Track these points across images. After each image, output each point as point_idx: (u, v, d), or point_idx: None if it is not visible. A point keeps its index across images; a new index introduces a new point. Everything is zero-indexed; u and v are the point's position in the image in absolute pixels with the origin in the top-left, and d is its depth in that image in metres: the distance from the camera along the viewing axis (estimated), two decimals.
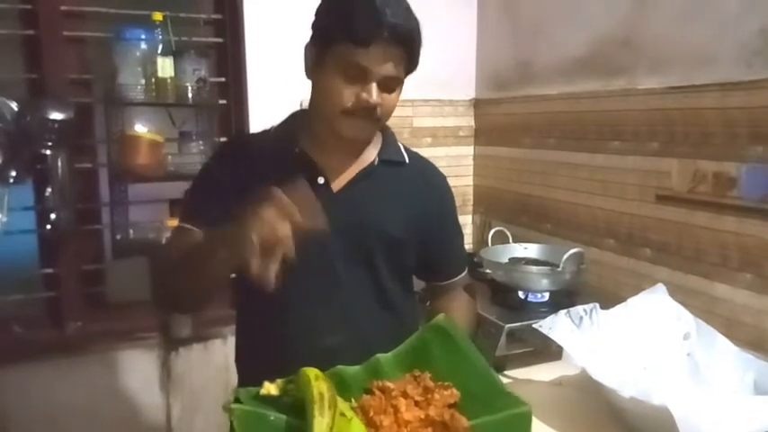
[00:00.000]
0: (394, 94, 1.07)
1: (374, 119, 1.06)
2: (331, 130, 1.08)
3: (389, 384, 0.93)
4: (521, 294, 1.83)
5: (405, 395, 0.91)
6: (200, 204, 1.14)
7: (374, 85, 1.02)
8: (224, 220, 1.02)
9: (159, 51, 1.89)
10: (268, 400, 0.88)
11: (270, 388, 0.89)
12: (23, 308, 2.01)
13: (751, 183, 1.41)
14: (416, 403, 0.91)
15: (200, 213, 1.11)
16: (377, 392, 0.92)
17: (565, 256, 1.71)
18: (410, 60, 1.06)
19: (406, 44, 1.03)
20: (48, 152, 1.76)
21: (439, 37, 2.14)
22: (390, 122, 1.16)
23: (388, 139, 1.21)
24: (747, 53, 1.43)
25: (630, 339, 1.21)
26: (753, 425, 0.92)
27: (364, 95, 1.02)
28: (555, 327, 1.17)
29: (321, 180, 1.12)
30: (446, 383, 0.94)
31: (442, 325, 1.02)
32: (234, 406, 0.86)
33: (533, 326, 1.19)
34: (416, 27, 1.06)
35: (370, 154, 1.17)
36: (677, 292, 1.31)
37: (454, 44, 2.43)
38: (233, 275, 1.06)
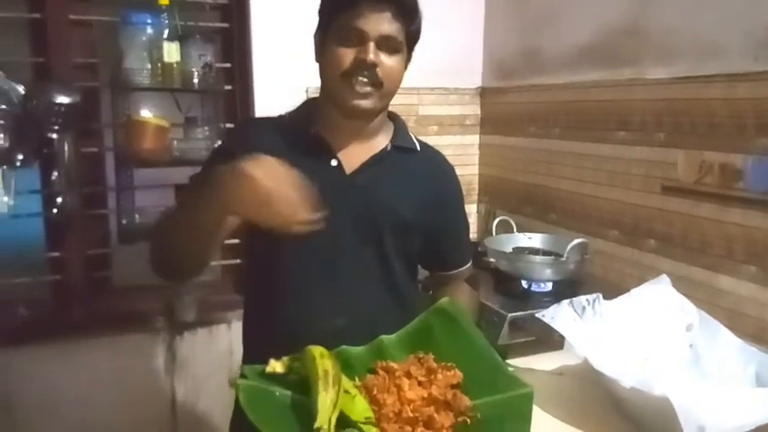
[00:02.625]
0: (394, 58, 1.09)
1: (375, 82, 1.07)
2: (337, 103, 1.10)
3: (393, 365, 0.94)
4: (524, 284, 1.83)
5: (408, 375, 0.92)
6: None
7: (371, 45, 1.05)
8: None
9: (165, 36, 1.89)
10: (274, 378, 0.89)
11: (275, 365, 0.90)
12: (29, 291, 2.02)
13: (757, 175, 1.41)
14: (420, 383, 0.91)
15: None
16: (381, 372, 0.93)
17: (569, 247, 1.72)
18: (404, 20, 1.08)
19: (396, 3, 1.06)
20: (54, 136, 1.77)
21: (445, 25, 2.14)
22: (396, 111, 1.17)
23: (400, 126, 1.23)
24: (755, 44, 1.42)
25: (633, 330, 1.22)
26: (753, 417, 0.92)
27: (362, 54, 1.05)
28: (557, 316, 1.18)
29: (334, 162, 1.13)
30: (449, 364, 0.94)
31: (446, 308, 1.03)
32: (240, 381, 0.87)
33: (536, 315, 1.20)
34: None
35: (383, 140, 1.18)
36: (681, 284, 1.31)
37: (460, 32, 2.42)
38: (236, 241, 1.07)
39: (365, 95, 1.08)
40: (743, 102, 1.45)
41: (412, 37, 1.11)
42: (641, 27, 1.74)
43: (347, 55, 1.06)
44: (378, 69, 1.06)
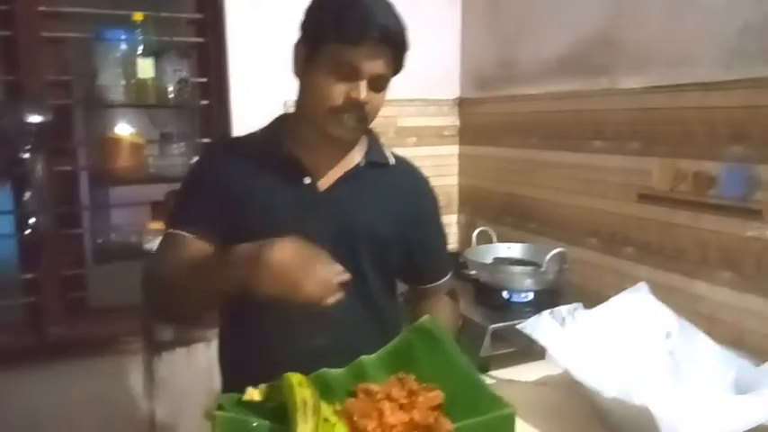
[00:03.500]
0: (381, 94, 1.10)
1: (361, 118, 1.08)
2: (318, 130, 1.09)
3: (374, 387, 0.93)
4: (505, 294, 1.83)
5: (389, 398, 0.91)
6: (191, 209, 1.14)
7: (363, 84, 1.05)
8: (215, 224, 1.07)
9: (140, 52, 1.87)
10: (251, 406, 0.88)
11: (253, 393, 0.89)
12: (3, 314, 1.98)
13: (730, 182, 1.42)
14: (401, 406, 0.90)
15: (191, 218, 1.12)
16: (361, 395, 0.92)
17: (547, 257, 1.72)
18: (397, 61, 1.09)
19: (395, 44, 1.06)
20: (26, 155, 1.73)
21: (423, 37, 2.12)
22: (375, 122, 1.17)
23: (374, 141, 1.23)
24: (727, 53, 1.44)
25: (613, 338, 1.22)
26: (733, 425, 0.92)
27: (353, 93, 1.04)
28: (538, 327, 1.18)
29: (307, 180, 1.13)
30: (430, 385, 0.94)
31: (427, 326, 1.02)
32: (216, 413, 0.85)
33: (517, 326, 1.19)
34: (404, 30, 1.09)
35: (356, 156, 1.18)
36: (659, 291, 1.32)
37: (438, 44, 2.43)
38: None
39: (351, 130, 1.09)
40: (715, 110, 1.47)
41: (398, 71, 1.12)
42: (615, 37, 1.76)
43: (338, 90, 1.04)
44: (366, 106, 1.06)
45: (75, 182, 2.01)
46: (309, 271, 0.89)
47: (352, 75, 1.04)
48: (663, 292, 1.33)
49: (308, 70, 1.08)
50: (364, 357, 1.00)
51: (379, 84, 1.07)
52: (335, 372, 0.98)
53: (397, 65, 1.09)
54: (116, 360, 1.99)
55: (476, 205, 2.48)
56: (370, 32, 1.02)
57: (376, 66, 1.05)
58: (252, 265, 0.89)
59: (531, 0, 2.11)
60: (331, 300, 0.91)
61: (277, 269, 0.87)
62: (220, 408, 0.87)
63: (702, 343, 1.21)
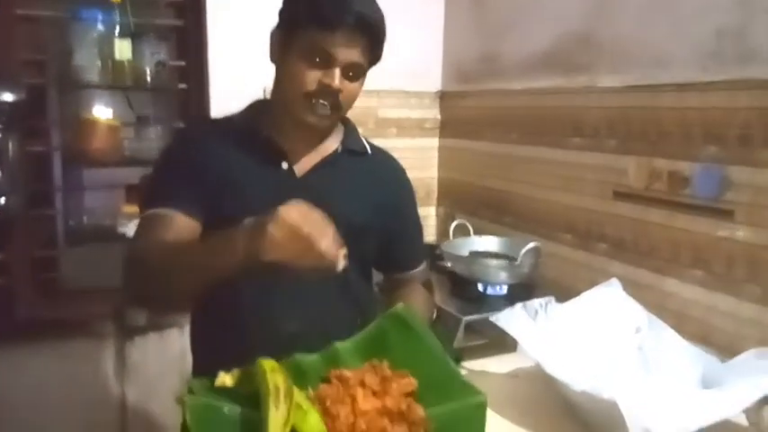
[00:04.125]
0: (356, 83, 1.09)
1: (335, 105, 1.07)
2: (292, 116, 1.08)
3: (347, 373, 0.92)
4: (480, 287, 1.85)
5: (362, 384, 0.91)
6: (172, 186, 1.11)
7: (337, 71, 1.04)
8: (197, 201, 1.06)
9: (117, 33, 1.84)
10: (223, 391, 0.87)
11: (225, 379, 0.88)
12: None
13: (703, 182, 1.45)
14: (374, 393, 0.91)
15: (173, 194, 1.08)
16: (334, 381, 0.92)
17: (523, 251, 1.74)
18: (373, 50, 1.08)
19: (371, 32, 1.05)
20: None
21: (406, 28, 2.14)
22: (355, 112, 1.17)
23: (350, 130, 1.22)
24: (702, 55, 1.47)
25: (584, 333, 1.24)
26: (699, 420, 0.94)
27: (327, 80, 1.03)
28: (511, 320, 1.19)
29: (285, 165, 1.12)
30: (403, 372, 0.94)
31: (401, 313, 1.03)
32: (186, 398, 0.84)
33: (490, 318, 1.21)
34: (382, 18, 1.07)
35: (333, 142, 1.18)
36: (631, 287, 1.34)
37: (421, 36, 2.42)
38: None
39: (323, 116, 1.08)
40: (691, 111, 1.49)
41: (375, 62, 1.11)
42: (595, 36, 1.78)
43: (312, 76, 1.03)
44: (340, 94, 1.06)
45: (49, 162, 1.97)
46: (321, 228, 0.88)
47: (326, 61, 1.03)
48: (634, 289, 1.36)
49: (284, 56, 1.07)
50: (339, 343, 1.00)
51: (354, 72, 1.06)
52: (309, 357, 0.98)
53: (373, 55, 1.08)
54: (87, 343, 1.98)
55: (454, 198, 2.49)
56: (346, 18, 1.01)
57: (351, 53, 1.04)
58: (261, 231, 0.87)
59: None
60: (341, 264, 0.90)
61: (289, 228, 0.86)
62: (191, 392, 0.86)
63: (671, 339, 1.23)
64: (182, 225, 1.06)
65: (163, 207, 1.07)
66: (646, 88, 1.60)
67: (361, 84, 1.10)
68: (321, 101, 1.05)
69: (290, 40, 1.05)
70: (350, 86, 1.07)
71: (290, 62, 1.05)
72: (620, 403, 0.93)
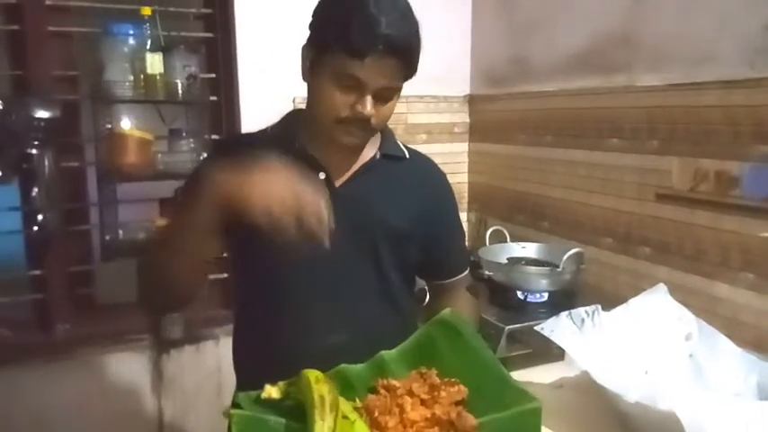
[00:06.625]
0: (390, 103, 1.06)
1: (369, 129, 1.05)
2: (327, 135, 1.07)
3: (395, 383, 0.91)
4: (520, 295, 1.81)
5: (410, 393, 0.89)
6: None
7: (369, 98, 1.01)
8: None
9: (148, 47, 1.85)
10: (270, 404, 0.86)
11: (271, 391, 0.87)
12: (11, 310, 1.97)
13: (754, 182, 1.40)
14: (422, 402, 0.89)
15: None
16: (382, 391, 0.90)
17: (565, 257, 1.70)
18: (407, 69, 1.04)
19: (402, 55, 1.00)
20: (34, 151, 1.71)
21: (434, 33, 2.09)
22: None
23: (387, 135, 1.20)
24: (751, 51, 1.42)
25: (632, 341, 1.19)
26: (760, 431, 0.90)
27: (359, 107, 1.01)
28: (557, 329, 1.15)
29: (322, 176, 1.10)
30: (453, 380, 0.92)
31: (449, 320, 1.00)
32: (233, 411, 0.84)
33: (535, 328, 1.17)
34: (414, 34, 1.03)
35: (371, 150, 1.16)
36: (677, 292, 1.29)
37: (449, 40, 2.40)
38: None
39: (357, 137, 1.06)
40: (739, 109, 1.44)
41: (411, 76, 1.06)
42: (634, 33, 1.73)
43: (343, 101, 1.01)
44: (373, 119, 1.03)
45: (83, 178, 2.00)
46: (308, 197, 0.87)
47: (357, 87, 1.00)
48: (682, 294, 1.31)
49: (314, 77, 1.04)
50: (385, 352, 0.98)
51: (387, 94, 1.03)
52: (356, 367, 0.96)
53: (407, 72, 1.04)
54: (124, 357, 1.99)
55: (485, 203, 2.46)
56: (375, 46, 0.96)
57: (382, 78, 1.00)
58: (219, 169, 0.87)
59: None
60: (326, 241, 0.88)
61: (267, 182, 0.86)
62: (237, 406, 0.86)
63: (723, 345, 1.18)
64: None
65: None
66: (689, 86, 1.56)
67: (396, 101, 1.07)
68: (352, 127, 1.03)
69: (320, 62, 1.02)
70: (383, 109, 1.04)
71: (320, 84, 1.03)
72: (679, 414, 0.89)
